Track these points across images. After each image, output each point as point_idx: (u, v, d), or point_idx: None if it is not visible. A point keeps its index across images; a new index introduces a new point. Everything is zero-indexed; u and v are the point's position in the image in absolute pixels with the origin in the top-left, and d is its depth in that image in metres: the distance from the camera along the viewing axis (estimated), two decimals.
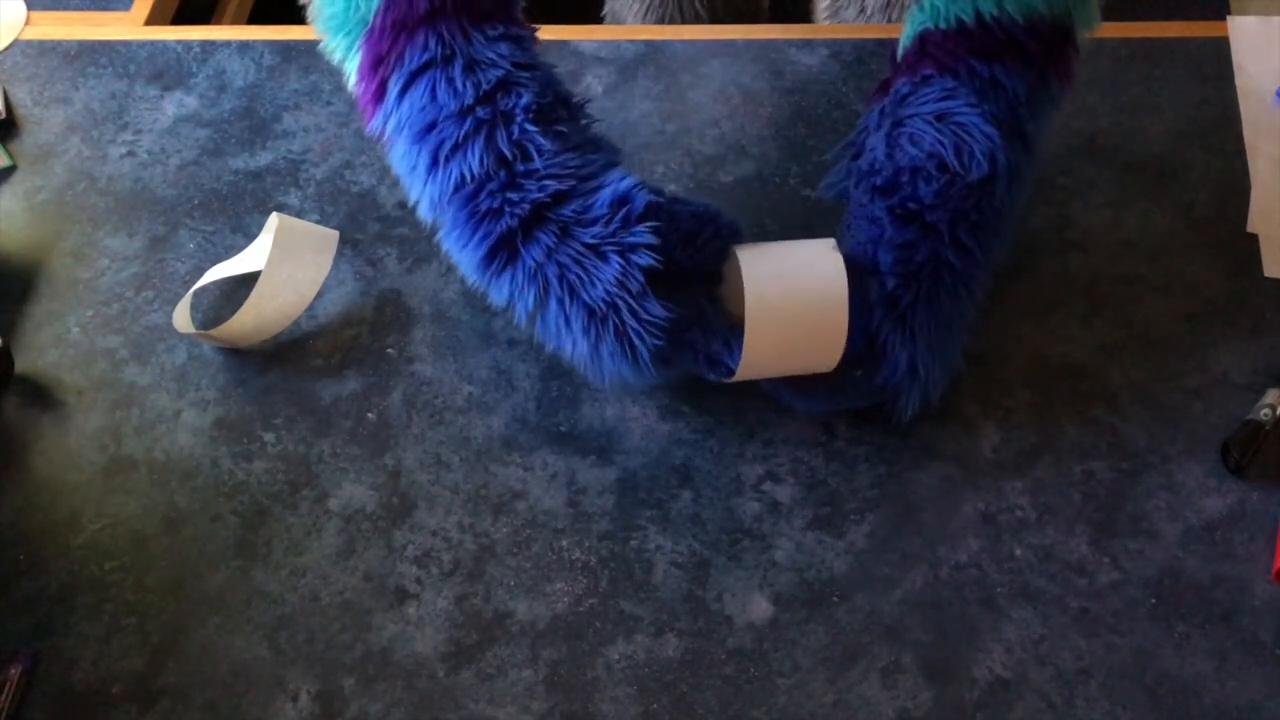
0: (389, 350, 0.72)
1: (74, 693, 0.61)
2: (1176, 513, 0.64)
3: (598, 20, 1.18)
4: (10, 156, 0.82)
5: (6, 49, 0.88)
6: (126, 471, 0.68)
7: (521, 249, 0.61)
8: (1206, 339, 0.70)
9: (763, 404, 0.68)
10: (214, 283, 0.74)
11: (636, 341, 0.60)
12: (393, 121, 0.63)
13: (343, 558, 0.65)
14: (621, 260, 0.59)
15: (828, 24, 1.05)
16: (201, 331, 0.71)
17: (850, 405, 0.66)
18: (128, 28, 0.90)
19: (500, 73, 0.62)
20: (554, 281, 0.60)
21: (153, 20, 0.92)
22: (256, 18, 1.20)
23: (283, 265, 0.72)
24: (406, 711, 0.60)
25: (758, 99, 0.82)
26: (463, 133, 0.61)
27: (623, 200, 0.60)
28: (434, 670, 0.61)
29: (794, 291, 0.59)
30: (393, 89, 0.62)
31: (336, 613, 0.63)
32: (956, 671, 0.60)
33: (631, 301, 0.59)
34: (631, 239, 0.59)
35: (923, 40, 0.66)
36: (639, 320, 0.59)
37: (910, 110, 0.65)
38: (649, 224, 0.59)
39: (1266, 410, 0.66)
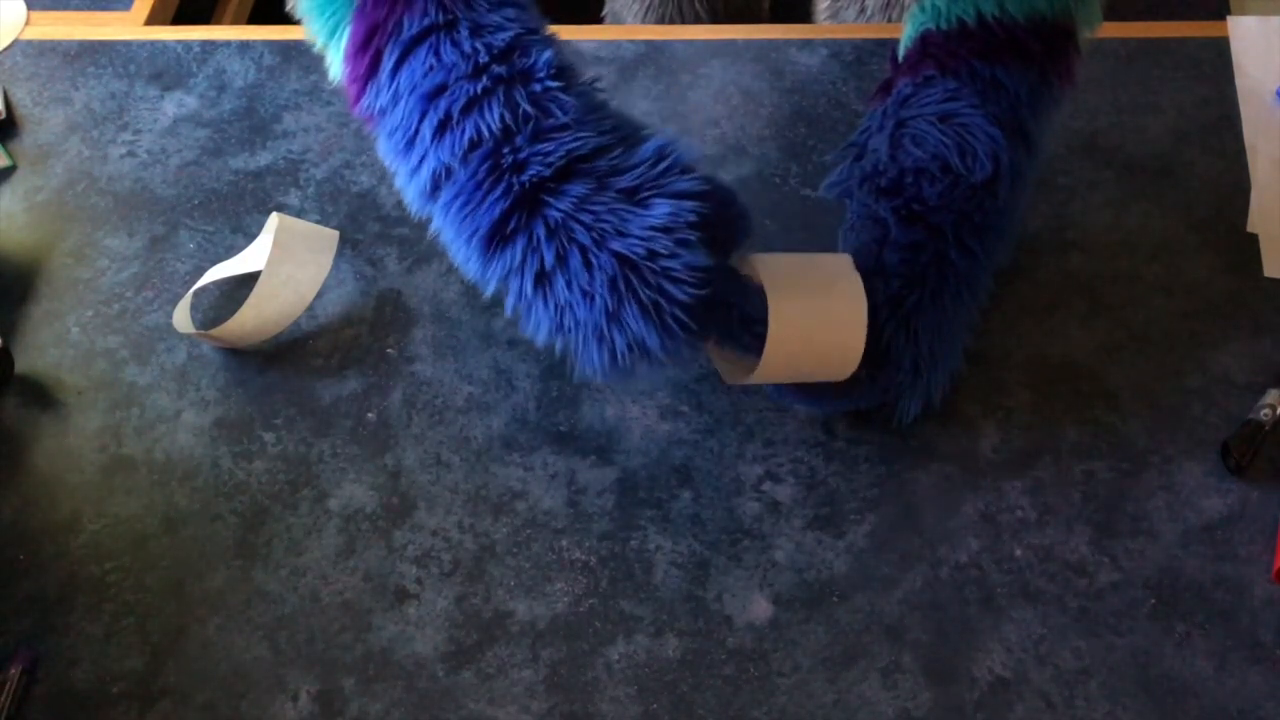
0: (389, 350, 0.72)
1: (74, 693, 0.61)
2: (1176, 513, 0.64)
3: (598, 21, 1.18)
4: (10, 156, 0.82)
5: (6, 49, 0.88)
6: (126, 471, 0.68)
7: (548, 202, 0.55)
8: (1206, 339, 0.70)
9: (763, 404, 0.68)
10: (214, 283, 0.74)
11: (674, 291, 0.54)
12: (387, 94, 0.58)
13: (343, 558, 0.65)
14: (671, 204, 0.55)
15: (828, 24, 1.05)
16: (201, 331, 0.71)
17: (853, 406, 0.66)
18: (128, 28, 0.90)
19: (510, 34, 0.57)
20: (580, 232, 0.55)
21: (153, 20, 0.92)
22: (256, 18, 1.20)
23: (283, 265, 0.72)
24: (406, 711, 0.60)
25: (758, 99, 0.82)
26: (479, 88, 0.55)
27: (666, 150, 0.56)
28: (434, 670, 0.61)
29: (815, 308, 0.59)
30: (388, 60, 0.57)
31: (336, 613, 0.63)
32: (956, 671, 0.60)
33: (674, 247, 0.54)
34: (681, 184, 0.56)
35: (924, 41, 0.66)
36: (678, 268, 0.54)
37: (913, 111, 0.65)
38: (695, 175, 0.56)
39: (1266, 410, 0.66)
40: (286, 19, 0.81)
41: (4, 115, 0.84)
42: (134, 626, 0.63)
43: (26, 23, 0.90)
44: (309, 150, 0.81)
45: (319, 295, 0.74)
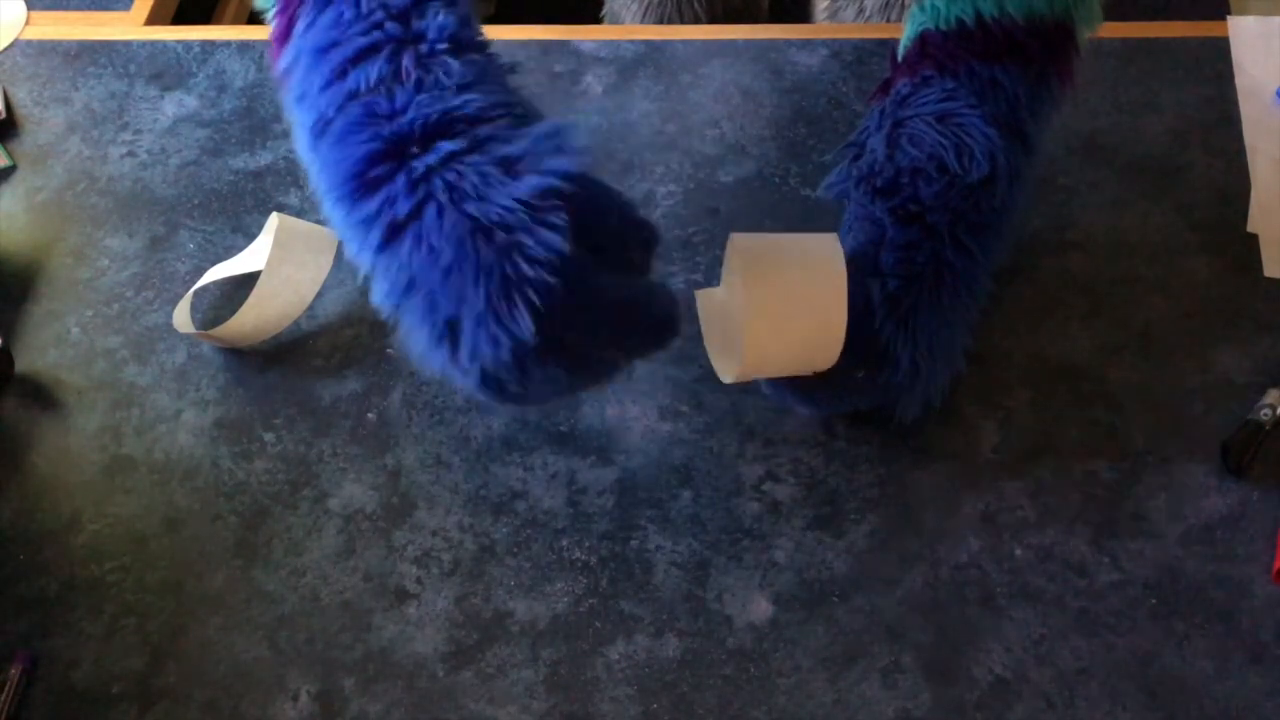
0: (389, 350, 0.72)
1: (74, 693, 0.61)
2: (1176, 513, 0.64)
3: (596, 21, 1.18)
4: (10, 156, 0.82)
5: (6, 49, 0.88)
6: (126, 471, 0.68)
7: (415, 154, 0.52)
8: (1206, 339, 0.70)
9: (763, 404, 0.68)
10: (214, 283, 0.74)
11: (525, 268, 0.50)
12: (292, 52, 0.56)
13: (343, 558, 0.65)
14: (539, 178, 0.51)
15: (827, 24, 1.05)
16: (201, 331, 0.71)
17: (852, 407, 0.66)
18: (128, 28, 0.90)
19: None
20: (440, 188, 0.52)
21: (153, 20, 0.92)
22: (256, 18, 1.20)
23: (283, 265, 0.72)
24: (406, 711, 0.60)
25: (758, 99, 0.82)
26: (368, 44, 0.54)
27: (558, 131, 0.53)
28: (434, 670, 0.61)
29: (793, 282, 0.59)
30: (301, 21, 0.56)
31: (336, 613, 0.63)
32: (956, 671, 0.60)
33: (531, 222, 0.50)
34: (561, 163, 0.52)
35: (923, 41, 0.66)
36: (533, 244, 0.50)
37: (910, 111, 0.65)
38: (580, 159, 0.52)
39: (1266, 410, 0.66)
40: None
41: (4, 115, 0.84)
42: (134, 626, 0.63)
43: (26, 23, 0.90)
44: None
45: (319, 295, 0.74)
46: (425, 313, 0.53)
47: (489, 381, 0.53)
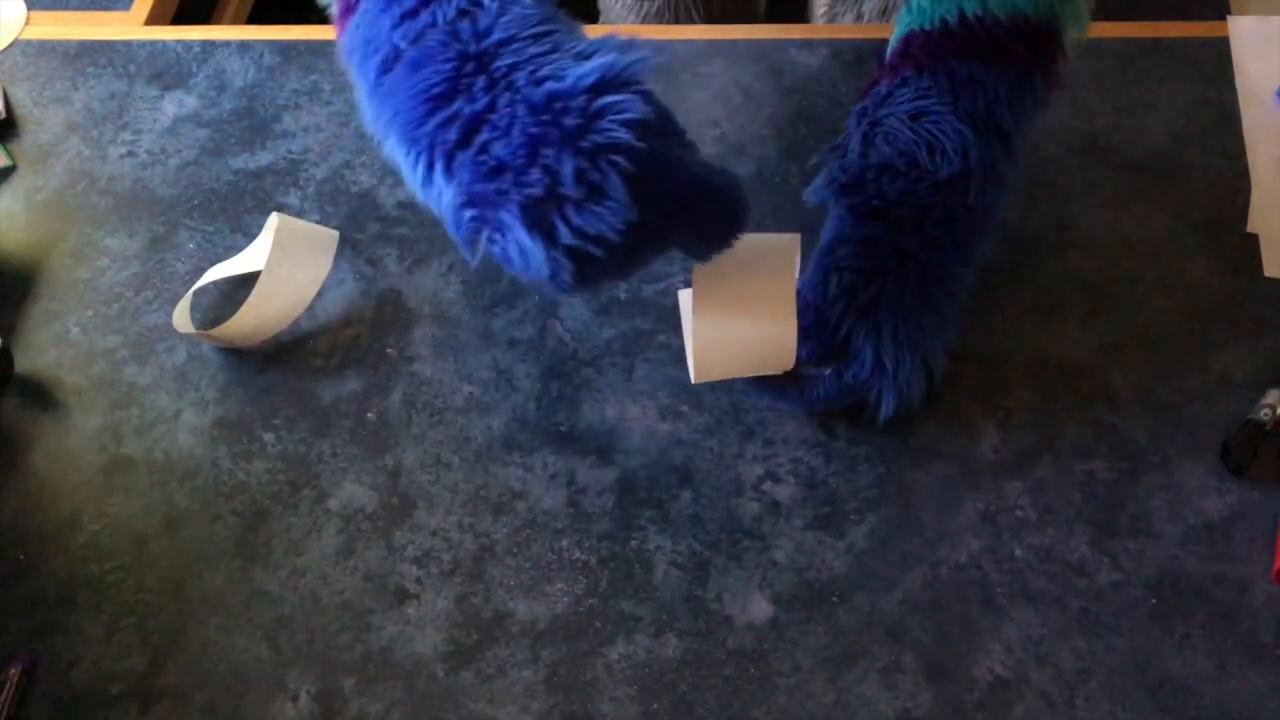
0: (389, 350, 0.72)
1: (74, 693, 0.61)
2: (1176, 513, 0.64)
3: (595, 22, 1.18)
4: (10, 156, 0.82)
5: (6, 49, 0.88)
6: (126, 471, 0.68)
7: (498, 54, 0.53)
8: (1206, 339, 0.70)
9: (763, 404, 0.68)
10: (214, 283, 0.74)
11: (608, 128, 0.49)
12: (358, 18, 0.57)
13: (343, 558, 0.65)
14: (614, 56, 0.51)
15: (827, 25, 1.05)
16: (201, 331, 0.71)
17: (825, 404, 0.66)
18: (128, 28, 0.90)
19: None
20: (521, 81, 0.52)
21: (153, 20, 0.92)
22: (256, 18, 1.20)
23: (283, 265, 0.72)
24: (406, 711, 0.60)
25: (758, 99, 0.82)
26: None
27: (630, 43, 0.53)
28: (434, 670, 0.61)
29: (742, 283, 0.60)
30: None
31: (336, 613, 0.63)
32: (956, 671, 0.60)
33: (611, 94, 0.50)
34: (628, 57, 0.51)
35: (907, 42, 0.66)
36: (617, 110, 0.49)
37: (887, 111, 0.65)
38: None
39: (1266, 410, 0.66)
40: (287, 19, 0.81)
41: (4, 115, 0.84)
42: (134, 626, 0.63)
43: (26, 23, 0.90)
44: (309, 150, 0.81)
45: (319, 295, 0.74)
46: (514, 191, 0.49)
47: (581, 261, 0.50)
